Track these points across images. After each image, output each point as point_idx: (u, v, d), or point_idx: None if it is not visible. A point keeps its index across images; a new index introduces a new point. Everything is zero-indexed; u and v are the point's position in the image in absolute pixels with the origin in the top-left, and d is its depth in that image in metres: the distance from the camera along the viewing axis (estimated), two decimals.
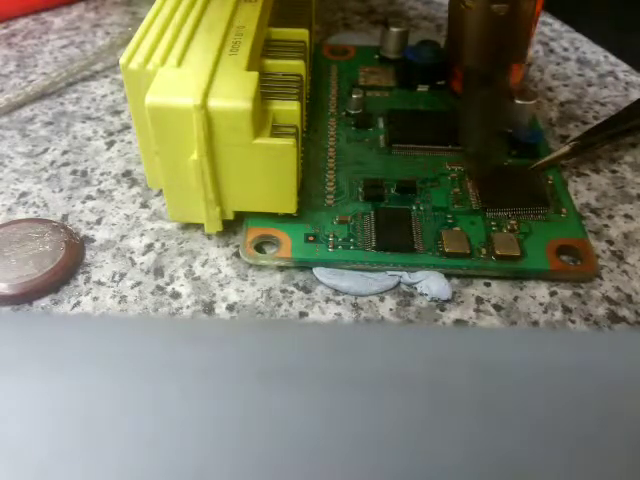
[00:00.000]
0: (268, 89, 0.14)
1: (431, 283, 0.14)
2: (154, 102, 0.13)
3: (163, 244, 0.16)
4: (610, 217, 0.17)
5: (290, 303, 0.14)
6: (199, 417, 0.06)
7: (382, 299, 0.14)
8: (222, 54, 0.14)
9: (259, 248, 0.15)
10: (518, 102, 0.18)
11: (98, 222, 0.16)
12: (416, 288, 0.15)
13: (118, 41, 0.23)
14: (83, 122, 0.20)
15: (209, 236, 0.16)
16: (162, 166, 0.14)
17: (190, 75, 0.13)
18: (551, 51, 0.24)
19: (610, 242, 0.16)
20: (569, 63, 0.24)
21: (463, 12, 0.13)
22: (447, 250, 0.15)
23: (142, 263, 0.15)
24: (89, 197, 0.17)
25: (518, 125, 0.18)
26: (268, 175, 0.14)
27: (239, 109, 0.13)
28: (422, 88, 0.21)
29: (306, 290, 0.15)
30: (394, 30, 0.21)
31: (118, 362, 0.07)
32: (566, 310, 0.14)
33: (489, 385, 0.07)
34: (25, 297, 0.14)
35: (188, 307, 0.14)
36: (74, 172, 0.18)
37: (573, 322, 0.14)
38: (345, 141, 0.19)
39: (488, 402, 0.07)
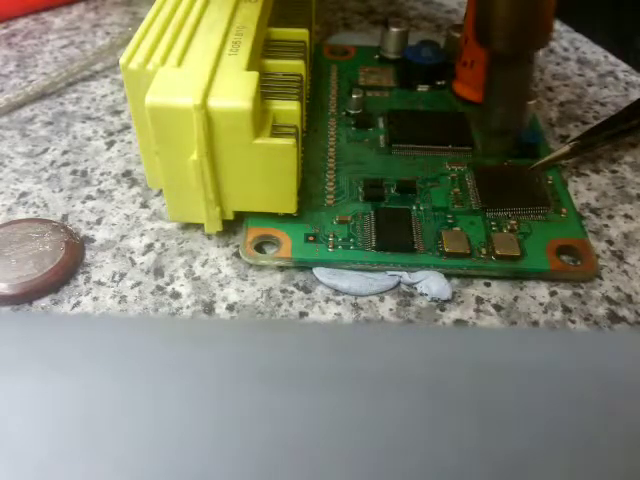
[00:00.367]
0: (268, 89, 0.14)
1: (431, 283, 0.14)
2: (154, 102, 0.13)
3: (163, 244, 0.16)
4: (610, 217, 0.17)
5: (290, 303, 0.14)
6: (199, 417, 0.06)
7: (382, 299, 0.14)
8: (222, 54, 0.14)
9: (259, 248, 0.15)
10: None
11: (98, 222, 0.16)
12: (416, 288, 0.15)
13: (118, 41, 0.23)
14: (83, 122, 0.20)
15: (209, 236, 0.16)
16: (162, 166, 0.14)
17: (190, 75, 0.13)
18: (551, 51, 0.24)
19: (610, 242, 0.16)
20: (569, 63, 0.24)
21: None
22: (447, 250, 0.15)
23: (142, 263, 0.15)
24: (89, 197, 0.17)
25: None
26: (268, 175, 0.14)
27: (239, 109, 0.13)
28: (422, 88, 0.21)
29: (306, 290, 0.15)
30: (394, 30, 0.21)
31: (118, 362, 0.07)
32: (566, 310, 0.14)
33: (489, 385, 0.07)
34: (25, 297, 0.14)
35: (188, 307, 0.14)
36: (74, 172, 0.18)
37: (573, 322, 0.14)
38: (345, 141, 0.19)
39: (488, 402, 0.07)
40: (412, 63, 0.20)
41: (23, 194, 0.17)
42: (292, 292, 0.15)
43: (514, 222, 0.16)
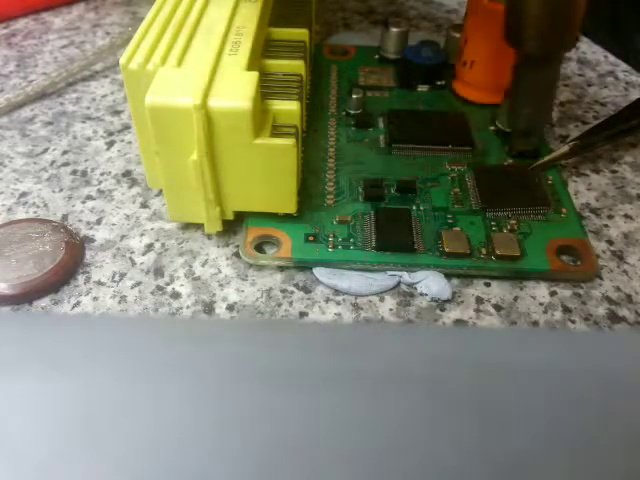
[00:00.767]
0: (268, 89, 0.14)
1: (431, 283, 0.14)
2: (154, 102, 0.13)
3: (163, 244, 0.16)
4: (610, 217, 0.17)
5: (290, 303, 0.14)
6: (199, 417, 0.06)
7: (382, 299, 0.14)
8: (222, 54, 0.14)
9: (259, 248, 0.15)
10: None
11: (98, 222, 0.16)
12: (416, 288, 0.15)
13: (118, 41, 0.23)
14: (83, 122, 0.20)
15: (209, 236, 0.16)
16: (162, 166, 0.14)
17: (190, 75, 0.13)
18: None
19: (610, 242, 0.16)
20: (569, 63, 0.24)
21: None
22: (447, 250, 0.15)
23: (142, 263, 0.15)
24: (89, 197, 0.17)
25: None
26: (268, 175, 0.14)
27: (239, 109, 0.13)
28: (422, 88, 0.21)
29: (306, 290, 0.15)
30: (394, 30, 0.21)
31: (118, 362, 0.07)
32: (566, 310, 0.14)
33: (489, 385, 0.07)
34: (25, 297, 0.14)
35: (188, 307, 0.14)
36: (74, 172, 0.18)
37: (573, 322, 0.14)
38: (345, 141, 0.19)
39: (488, 402, 0.07)
40: (412, 63, 0.20)
41: (23, 194, 0.17)
42: (292, 292, 0.15)
43: (514, 222, 0.16)
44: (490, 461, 0.06)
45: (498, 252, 0.15)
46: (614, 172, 0.18)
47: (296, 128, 0.14)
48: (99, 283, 0.15)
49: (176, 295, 0.14)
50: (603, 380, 0.07)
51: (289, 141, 0.14)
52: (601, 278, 0.15)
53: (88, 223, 0.16)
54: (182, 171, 0.14)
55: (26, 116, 0.20)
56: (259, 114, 0.14)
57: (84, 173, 0.18)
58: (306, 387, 0.07)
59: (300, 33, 0.17)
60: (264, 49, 0.16)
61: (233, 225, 0.16)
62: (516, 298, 0.15)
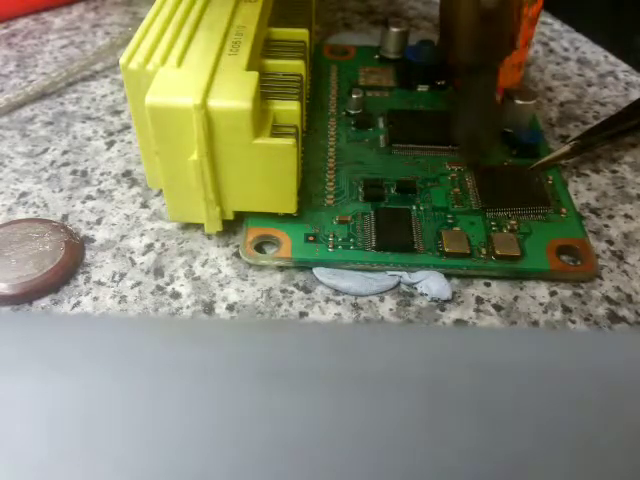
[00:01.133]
0: (268, 89, 0.14)
1: (431, 283, 0.14)
2: (154, 102, 0.13)
3: (163, 244, 0.16)
4: (610, 217, 0.17)
5: (290, 303, 0.14)
6: (199, 417, 0.06)
7: (382, 299, 0.14)
8: (222, 54, 0.14)
9: (259, 248, 0.15)
10: (518, 102, 0.18)
11: (98, 222, 0.16)
12: (416, 288, 0.15)
13: (118, 41, 0.23)
14: (83, 122, 0.20)
15: (209, 236, 0.16)
16: (162, 166, 0.14)
17: (190, 75, 0.13)
18: (551, 51, 0.24)
19: (610, 242, 0.16)
20: (569, 63, 0.24)
21: (451, 6, 0.13)
22: (447, 250, 0.15)
23: (142, 263, 0.15)
24: (89, 197, 0.17)
25: (518, 125, 0.18)
26: (268, 175, 0.14)
27: (239, 109, 0.13)
28: (422, 88, 0.21)
29: (306, 290, 0.15)
30: (394, 30, 0.21)
31: (118, 362, 0.07)
32: (566, 310, 0.14)
33: (489, 385, 0.07)
34: (25, 297, 0.14)
35: (188, 307, 0.14)
36: (74, 172, 0.18)
37: (573, 322, 0.14)
38: (345, 141, 0.19)
39: (488, 402, 0.07)
40: (412, 63, 0.20)
41: (23, 194, 0.17)
42: (292, 292, 0.15)
43: (514, 222, 0.16)
44: (490, 461, 0.06)
45: (498, 252, 0.15)
46: (614, 172, 0.18)
47: (296, 128, 0.14)
48: (99, 283, 0.15)
49: (176, 295, 0.14)
50: (603, 380, 0.07)
51: (289, 141, 0.14)
52: (601, 278, 0.15)
53: (88, 223, 0.16)
54: (182, 171, 0.14)
55: (26, 116, 0.20)
56: (259, 114, 0.14)
57: (84, 173, 0.18)
58: (306, 387, 0.07)
59: (300, 33, 0.17)
60: (264, 49, 0.16)
61: (233, 225, 0.16)
62: (516, 298, 0.15)
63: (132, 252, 0.16)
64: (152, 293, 0.14)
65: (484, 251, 0.15)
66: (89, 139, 0.19)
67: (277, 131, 0.14)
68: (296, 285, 0.15)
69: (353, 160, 0.18)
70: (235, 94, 0.13)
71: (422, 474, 0.06)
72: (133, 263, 0.15)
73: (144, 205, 0.17)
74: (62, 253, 0.15)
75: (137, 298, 0.14)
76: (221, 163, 0.14)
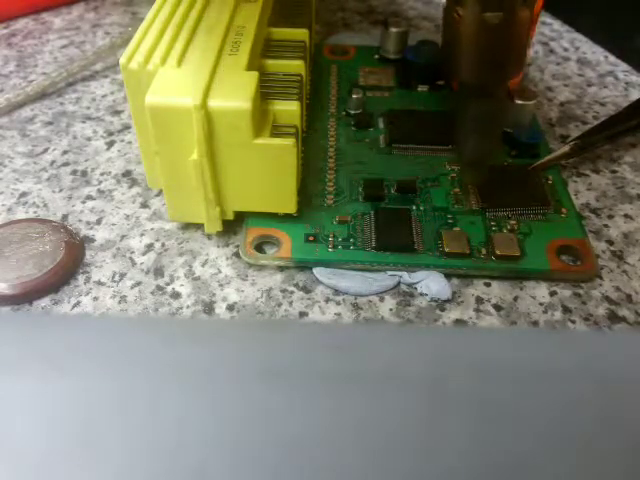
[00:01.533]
0: (268, 89, 0.14)
1: (431, 283, 0.14)
2: (154, 102, 0.13)
3: (163, 244, 0.16)
4: (610, 217, 0.17)
5: (290, 303, 0.14)
6: (199, 417, 0.06)
7: (382, 299, 0.14)
8: (222, 54, 0.14)
9: (259, 248, 0.15)
10: (518, 102, 0.18)
11: (98, 222, 0.16)
12: (416, 288, 0.15)
13: (118, 41, 0.23)
14: (83, 122, 0.20)
15: (209, 236, 0.16)
16: (162, 166, 0.14)
17: (190, 75, 0.13)
18: (551, 51, 0.24)
19: (610, 242, 0.16)
20: (569, 63, 0.24)
21: (456, 21, 0.12)
22: (447, 250, 0.15)
23: (142, 263, 0.15)
24: (89, 197, 0.17)
25: (518, 125, 0.18)
26: (268, 175, 0.14)
27: (239, 109, 0.13)
28: (422, 88, 0.21)
29: (306, 290, 0.15)
30: (394, 30, 0.21)
31: (118, 362, 0.07)
32: (566, 310, 0.14)
33: (489, 385, 0.07)
34: (25, 297, 0.14)
35: (188, 307, 0.14)
36: (74, 172, 0.18)
37: (573, 322, 0.14)
38: (345, 141, 0.19)
39: (488, 402, 0.07)
40: (412, 63, 0.20)
41: (23, 194, 0.17)
42: (292, 292, 0.15)
43: (514, 222, 0.16)
44: (490, 461, 0.06)
45: (498, 252, 0.15)
46: (614, 172, 0.18)
47: (296, 128, 0.14)
48: (99, 283, 0.15)
49: (176, 295, 0.14)
50: (603, 380, 0.07)
51: (289, 141, 0.14)
52: (601, 278, 0.15)
53: (88, 223, 0.16)
54: (182, 171, 0.14)
55: (26, 116, 0.20)
56: (259, 114, 0.14)
57: (84, 173, 0.18)
58: (306, 387, 0.07)
59: (300, 33, 0.17)
60: (264, 49, 0.16)
61: (233, 225, 0.16)
62: (516, 298, 0.14)
63: (132, 252, 0.16)
64: (152, 293, 0.14)
65: (484, 251, 0.15)
66: (89, 139, 0.19)
67: (277, 131, 0.14)
68: (296, 285, 0.15)
69: (353, 160, 0.18)
70: (235, 94, 0.13)
71: (422, 474, 0.06)
72: (133, 263, 0.15)
73: (144, 205, 0.17)
74: (62, 253, 0.15)
75: (137, 298, 0.14)
76: (221, 163, 0.14)
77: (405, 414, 0.06)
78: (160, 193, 0.17)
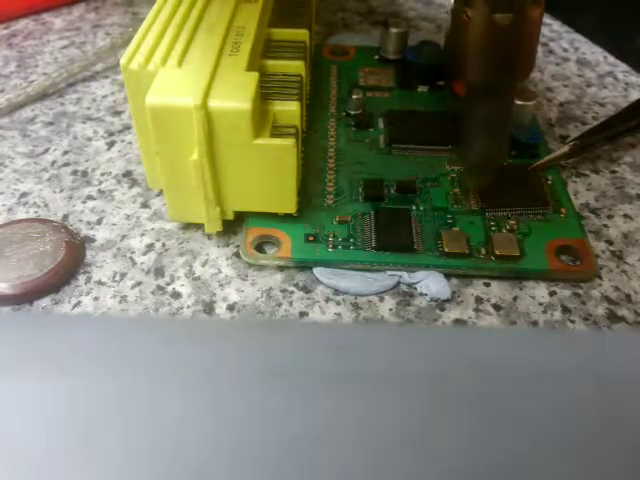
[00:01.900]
0: (268, 89, 0.14)
1: (431, 283, 0.14)
2: (155, 102, 0.13)
3: (163, 244, 0.16)
4: (609, 217, 0.17)
5: (290, 303, 0.14)
6: (199, 417, 0.06)
7: (382, 299, 0.15)
8: (222, 54, 0.14)
9: (259, 248, 0.15)
10: (518, 102, 0.18)
11: (99, 222, 0.16)
12: (416, 288, 0.15)
13: (119, 41, 0.23)
14: (84, 122, 0.20)
15: (209, 236, 0.16)
16: (162, 166, 0.14)
17: (190, 75, 0.13)
18: (550, 52, 0.24)
19: (609, 242, 0.16)
20: (569, 63, 0.24)
21: (464, 23, 0.12)
22: (447, 250, 0.15)
23: (142, 263, 0.15)
24: (90, 197, 0.17)
25: (518, 125, 0.18)
26: (268, 175, 0.14)
27: (239, 109, 0.13)
28: (422, 89, 0.21)
29: (306, 290, 0.15)
30: (394, 31, 0.21)
31: (118, 362, 0.07)
32: (565, 310, 0.14)
33: (488, 385, 0.07)
34: (26, 297, 0.14)
35: (188, 307, 0.14)
36: (75, 172, 0.18)
37: (572, 322, 0.14)
38: (345, 141, 0.19)
39: (487, 402, 0.07)
40: (412, 64, 0.20)
41: (24, 194, 0.17)
42: (292, 292, 0.15)
43: (513, 222, 0.16)
44: (490, 461, 0.06)
45: (497, 252, 0.15)
46: (614, 172, 0.18)
47: (296, 128, 0.14)
48: (100, 283, 0.15)
49: (176, 295, 0.14)
50: (602, 380, 0.07)
51: (289, 141, 0.14)
52: (600, 278, 0.15)
53: (89, 223, 0.16)
54: (182, 171, 0.14)
55: (27, 116, 0.20)
56: (259, 114, 0.14)
57: (85, 173, 0.18)
58: (306, 387, 0.07)
59: (300, 33, 0.17)
60: (264, 49, 0.16)
61: (233, 225, 0.16)
62: (515, 298, 0.15)
63: (133, 252, 0.16)
64: (152, 293, 0.14)
65: (484, 251, 0.15)
66: (90, 139, 0.19)
67: (277, 131, 0.14)
68: (296, 285, 0.15)
69: (353, 160, 0.18)
70: (235, 94, 0.13)
71: (422, 474, 0.06)
72: (134, 263, 0.15)
73: (144, 205, 0.17)
74: (63, 253, 0.15)
75: (137, 298, 0.14)
76: (221, 163, 0.14)
77: (405, 414, 0.06)
78: (160, 193, 0.17)
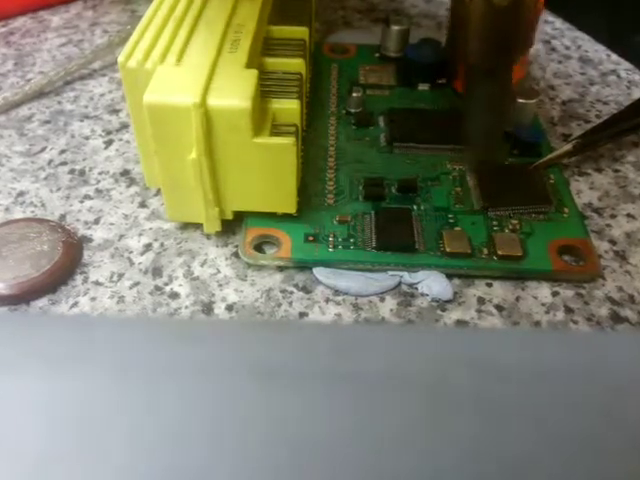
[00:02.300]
0: (268, 87, 0.14)
1: (432, 283, 0.14)
2: (152, 100, 0.13)
3: (162, 244, 0.16)
4: (613, 217, 0.17)
5: (290, 303, 0.14)
6: (198, 417, 0.06)
7: (382, 299, 0.14)
8: (221, 52, 0.14)
9: (258, 248, 0.15)
10: (520, 101, 0.18)
11: (96, 222, 0.16)
12: (417, 288, 0.15)
13: (116, 39, 0.23)
14: (81, 121, 0.20)
15: (208, 236, 0.16)
16: (160, 165, 0.14)
17: (189, 73, 0.13)
18: (553, 49, 0.24)
19: (613, 242, 0.16)
20: (571, 62, 0.24)
21: (464, 5, 0.13)
22: (448, 250, 0.15)
23: (140, 263, 0.15)
24: (87, 196, 0.17)
25: (520, 124, 0.18)
26: (268, 174, 0.14)
27: (238, 108, 0.13)
28: (423, 87, 0.21)
29: (306, 290, 0.15)
30: (395, 28, 0.21)
31: (116, 362, 0.07)
32: (568, 310, 0.14)
33: (490, 386, 0.07)
34: (23, 297, 0.14)
35: (187, 307, 0.14)
36: (72, 171, 0.18)
37: (575, 323, 0.14)
38: (345, 140, 0.18)
39: (489, 403, 0.07)
40: (413, 61, 0.20)
41: (20, 193, 0.17)
42: (292, 292, 0.15)
43: (516, 222, 0.16)
44: (490, 462, 0.06)
45: (500, 252, 0.15)
46: (617, 171, 0.18)
47: (296, 127, 0.14)
48: (97, 283, 0.15)
49: (175, 295, 0.14)
50: (605, 381, 0.07)
51: (289, 140, 0.14)
52: (604, 278, 0.15)
53: (86, 223, 0.16)
54: (181, 170, 0.14)
55: (24, 115, 0.20)
56: (258, 113, 0.14)
57: (82, 172, 0.18)
58: (305, 387, 0.07)
59: (300, 31, 0.17)
60: (264, 47, 0.16)
61: (232, 225, 0.16)
62: (518, 298, 0.14)
63: (130, 252, 0.15)
64: (150, 293, 0.14)
65: (486, 251, 0.15)
66: (87, 138, 0.19)
67: (277, 130, 0.14)
68: (296, 285, 0.15)
69: (353, 159, 0.18)
70: (234, 92, 0.13)
71: (422, 474, 0.06)
72: (131, 263, 0.15)
73: (142, 205, 0.17)
74: (60, 253, 0.15)
75: (135, 298, 0.14)
76: (220, 162, 0.14)
77: (405, 414, 0.06)
78: (159, 192, 0.17)
